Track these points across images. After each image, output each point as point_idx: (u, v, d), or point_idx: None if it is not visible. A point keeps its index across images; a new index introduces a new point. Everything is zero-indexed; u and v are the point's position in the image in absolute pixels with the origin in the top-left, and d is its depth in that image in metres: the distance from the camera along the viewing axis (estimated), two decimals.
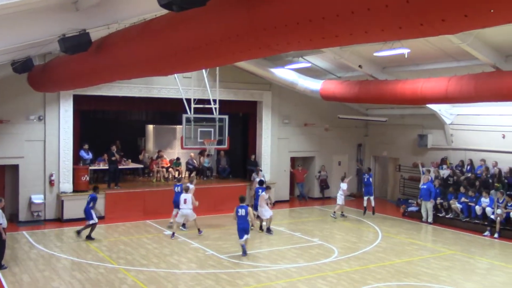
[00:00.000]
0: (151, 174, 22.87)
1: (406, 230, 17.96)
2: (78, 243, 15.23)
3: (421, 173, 20.75)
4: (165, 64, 8.64)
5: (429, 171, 20.11)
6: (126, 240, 15.74)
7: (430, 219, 19.07)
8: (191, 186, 16.90)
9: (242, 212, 14.06)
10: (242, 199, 14.85)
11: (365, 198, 20.45)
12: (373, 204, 20.09)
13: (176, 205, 16.55)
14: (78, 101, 18.93)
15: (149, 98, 20.19)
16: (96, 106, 20.13)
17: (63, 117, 18.58)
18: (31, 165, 18.14)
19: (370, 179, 20.60)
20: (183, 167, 23.76)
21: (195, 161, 23.61)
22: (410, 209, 20.69)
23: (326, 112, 24.08)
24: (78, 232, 15.82)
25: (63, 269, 12.80)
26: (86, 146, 19.75)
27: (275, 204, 22.10)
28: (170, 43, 7.84)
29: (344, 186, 20.08)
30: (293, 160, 24.47)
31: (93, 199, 15.74)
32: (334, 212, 20.02)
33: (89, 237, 15.57)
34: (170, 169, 22.78)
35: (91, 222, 15.55)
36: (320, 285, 11.75)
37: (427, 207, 19.21)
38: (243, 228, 13.94)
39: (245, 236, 13.94)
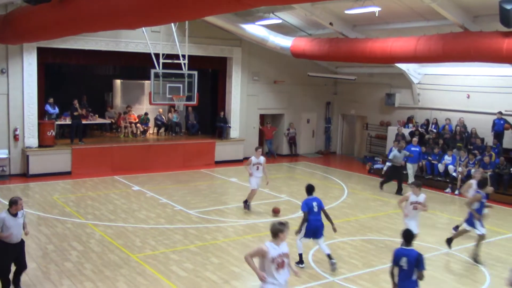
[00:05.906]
0: (118, 130, 22.63)
1: (371, 187, 18.39)
2: (45, 198, 15.12)
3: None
4: (131, 17, 8.40)
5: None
6: (94, 196, 15.69)
7: (410, 181, 17.28)
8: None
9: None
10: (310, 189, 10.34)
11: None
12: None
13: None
14: (43, 54, 18.35)
15: (116, 52, 19.67)
16: (62, 59, 19.56)
17: (27, 70, 18.02)
18: None
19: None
20: (151, 123, 23.57)
21: (163, 117, 23.45)
22: (376, 166, 21.13)
23: (296, 69, 24.06)
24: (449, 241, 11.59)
25: (30, 223, 12.64)
26: (51, 100, 19.34)
27: (244, 160, 22.32)
28: None
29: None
30: (262, 117, 24.53)
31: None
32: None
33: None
34: (138, 124, 22.57)
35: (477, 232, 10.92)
36: (288, 240, 11.98)
37: (413, 168, 18.27)
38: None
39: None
